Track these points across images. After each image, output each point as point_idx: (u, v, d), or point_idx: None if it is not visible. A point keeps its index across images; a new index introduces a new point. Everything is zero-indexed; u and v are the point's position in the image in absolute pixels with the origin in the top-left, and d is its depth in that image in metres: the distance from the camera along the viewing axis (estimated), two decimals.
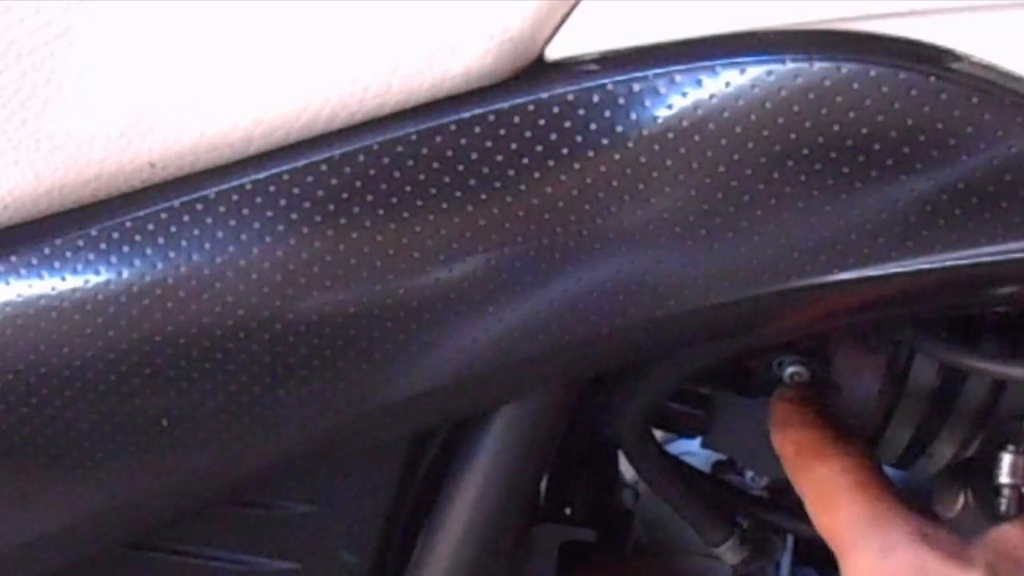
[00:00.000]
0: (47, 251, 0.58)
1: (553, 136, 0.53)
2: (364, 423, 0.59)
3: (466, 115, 0.54)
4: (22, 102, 0.58)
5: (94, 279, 0.57)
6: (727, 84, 0.51)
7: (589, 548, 0.72)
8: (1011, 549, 0.59)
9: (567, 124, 0.53)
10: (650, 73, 0.52)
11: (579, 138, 0.53)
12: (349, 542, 0.65)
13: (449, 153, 0.54)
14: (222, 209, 0.56)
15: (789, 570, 0.80)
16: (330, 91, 0.55)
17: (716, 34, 0.52)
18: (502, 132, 0.53)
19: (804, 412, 0.63)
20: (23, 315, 0.58)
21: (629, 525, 0.78)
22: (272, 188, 0.55)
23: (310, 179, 0.55)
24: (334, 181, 0.55)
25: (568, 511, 0.75)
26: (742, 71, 0.51)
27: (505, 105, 0.53)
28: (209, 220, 0.56)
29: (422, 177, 0.54)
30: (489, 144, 0.54)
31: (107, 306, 0.57)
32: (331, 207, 0.55)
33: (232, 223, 0.56)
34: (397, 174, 0.54)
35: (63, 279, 0.58)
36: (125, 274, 0.57)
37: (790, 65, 0.51)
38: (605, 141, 0.53)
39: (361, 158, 0.55)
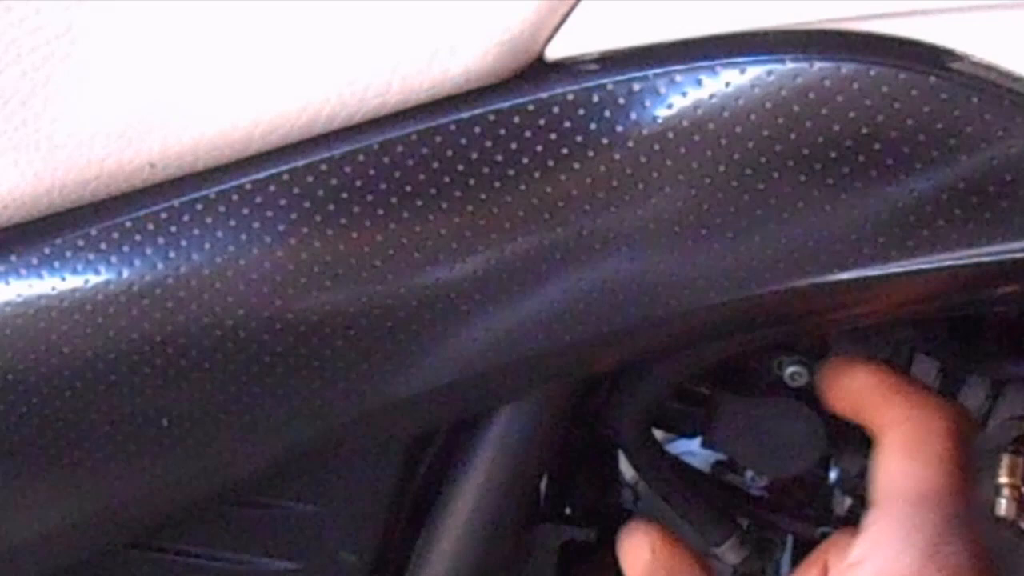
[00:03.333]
0: (47, 251, 0.58)
1: (553, 136, 0.53)
2: (364, 423, 0.59)
3: (466, 115, 0.54)
4: (22, 102, 0.58)
5: (94, 279, 0.57)
6: (727, 84, 0.51)
7: (589, 548, 0.72)
8: None
9: (567, 124, 0.53)
10: (650, 73, 0.52)
11: (579, 138, 0.53)
12: (349, 542, 0.65)
13: (449, 153, 0.54)
14: (222, 209, 0.56)
15: (789, 570, 0.80)
16: (330, 91, 0.55)
17: (716, 34, 0.52)
18: (502, 132, 0.53)
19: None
20: (23, 315, 0.58)
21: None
22: (272, 188, 0.55)
23: (310, 179, 0.55)
24: (334, 181, 0.55)
25: (568, 511, 0.75)
26: (742, 71, 0.51)
27: (505, 105, 0.53)
28: (209, 220, 0.56)
29: (422, 177, 0.54)
30: (489, 144, 0.54)
31: (107, 306, 0.57)
32: (331, 207, 0.55)
33: (232, 223, 0.56)
34: (397, 174, 0.54)
35: (63, 279, 0.58)
36: (125, 274, 0.57)
37: (790, 65, 0.51)
38: (605, 141, 0.53)
39: (361, 158, 0.55)
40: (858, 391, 0.59)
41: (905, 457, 0.56)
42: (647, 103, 0.52)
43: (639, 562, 0.62)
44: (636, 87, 0.52)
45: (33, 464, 0.61)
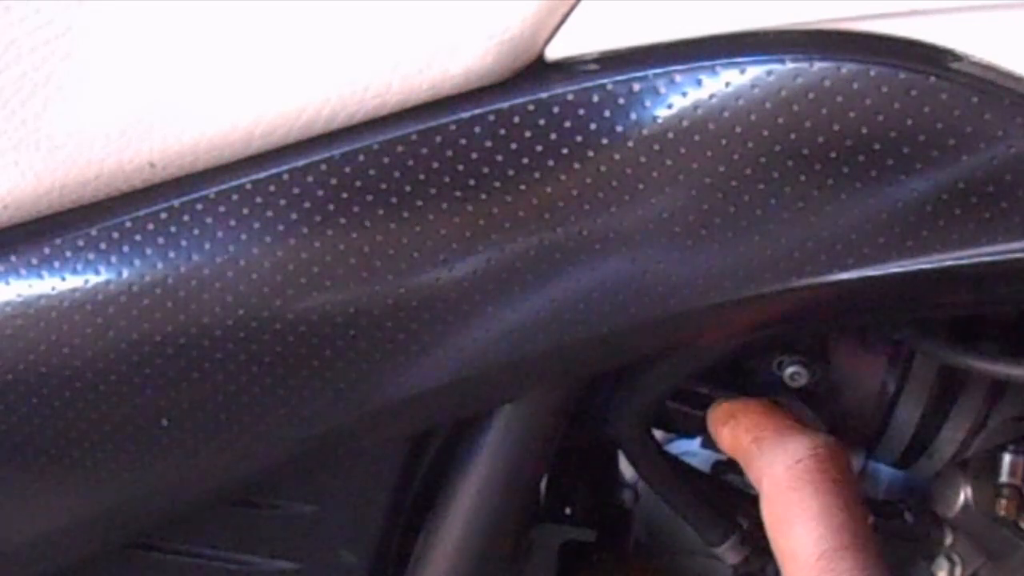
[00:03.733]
0: (47, 251, 0.58)
1: (553, 136, 0.53)
2: (364, 423, 0.59)
3: (466, 115, 0.54)
4: (22, 102, 0.58)
5: (94, 279, 0.57)
6: (727, 84, 0.51)
7: (589, 548, 0.72)
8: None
9: (567, 124, 0.53)
10: (650, 73, 0.52)
11: (579, 138, 0.53)
12: (349, 542, 0.65)
13: (449, 153, 0.54)
14: (222, 209, 0.56)
15: None
16: (330, 91, 0.55)
17: (716, 34, 0.52)
18: (502, 132, 0.53)
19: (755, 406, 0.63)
20: (23, 315, 0.58)
21: (629, 525, 0.78)
22: (272, 188, 0.55)
23: (310, 179, 0.55)
24: (334, 181, 0.55)
25: (568, 511, 0.75)
26: (742, 71, 0.51)
27: (505, 105, 0.53)
28: (209, 220, 0.56)
29: (422, 177, 0.54)
30: (489, 144, 0.54)
31: (107, 306, 0.57)
32: (331, 207, 0.55)
33: (232, 223, 0.56)
34: (397, 174, 0.54)
35: (63, 279, 0.58)
36: (125, 274, 0.57)
37: (790, 65, 0.51)
38: (605, 141, 0.53)
39: (361, 158, 0.55)
40: (736, 441, 0.63)
41: (784, 528, 0.59)
42: (647, 103, 0.52)
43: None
44: (636, 87, 0.52)
45: (33, 464, 0.61)
